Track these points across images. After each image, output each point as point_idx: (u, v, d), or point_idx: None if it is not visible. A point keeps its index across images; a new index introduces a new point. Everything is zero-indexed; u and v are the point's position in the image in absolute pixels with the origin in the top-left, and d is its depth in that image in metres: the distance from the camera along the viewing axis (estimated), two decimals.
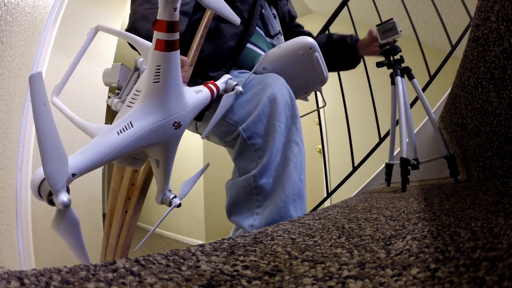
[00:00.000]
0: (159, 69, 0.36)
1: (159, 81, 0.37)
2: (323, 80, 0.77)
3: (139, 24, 0.61)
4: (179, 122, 0.40)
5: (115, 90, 0.50)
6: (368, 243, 0.29)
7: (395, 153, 1.16)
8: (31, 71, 1.36)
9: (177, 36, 0.35)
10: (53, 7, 1.51)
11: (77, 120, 0.43)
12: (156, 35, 0.34)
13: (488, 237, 0.24)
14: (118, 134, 0.34)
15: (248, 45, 0.78)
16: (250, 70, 0.78)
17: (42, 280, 0.18)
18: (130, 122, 0.36)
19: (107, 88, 1.83)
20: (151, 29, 0.57)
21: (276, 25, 0.88)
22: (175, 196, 0.48)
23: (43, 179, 0.28)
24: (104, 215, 1.71)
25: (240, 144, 0.67)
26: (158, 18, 0.33)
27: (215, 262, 0.25)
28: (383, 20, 1.02)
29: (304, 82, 0.76)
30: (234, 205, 0.69)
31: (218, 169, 3.07)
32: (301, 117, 0.88)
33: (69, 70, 0.48)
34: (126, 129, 0.35)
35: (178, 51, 0.37)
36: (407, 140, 0.95)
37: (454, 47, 1.26)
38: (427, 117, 1.32)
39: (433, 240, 0.26)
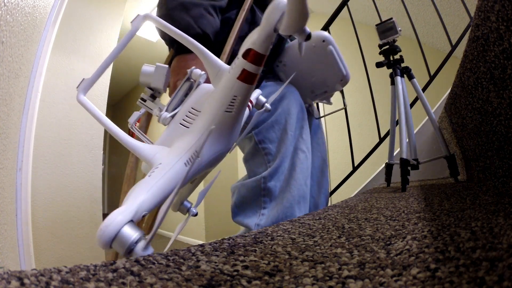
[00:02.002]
0: (235, 100, 0.34)
1: (231, 112, 0.35)
2: (343, 79, 0.73)
3: (177, 14, 0.55)
4: (232, 146, 0.40)
5: (145, 88, 0.44)
6: (368, 243, 0.29)
7: (395, 153, 1.16)
8: (31, 71, 1.36)
9: (261, 69, 0.33)
10: (53, 7, 1.50)
11: (121, 135, 0.37)
12: (244, 65, 0.32)
13: (488, 237, 0.24)
14: (186, 166, 0.33)
15: None
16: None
17: (42, 280, 0.18)
18: (196, 152, 0.34)
19: (107, 88, 1.83)
20: (191, 24, 0.52)
21: None
22: (191, 205, 0.47)
23: (118, 232, 0.26)
24: (104, 215, 1.71)
25: (252, 147, 0.70)
26: (252, 47, 0.31)
27: (215, 262, 0.25)
28: (383, 20, 1.02)
29: (322, 79, 0.73)
30: (241, 206, 0.71)
31: (218, 169, 3.07)
32: (322, 117, 0.87)
33: (106, 63, 0.41)
34: (193, 159, 0.33)
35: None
36: (407, 140, 0.95)
37: (454, 47, 1.26)
38: (427, 117, 1.32)
39: (433, 240, 0.26)
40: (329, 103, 0.83)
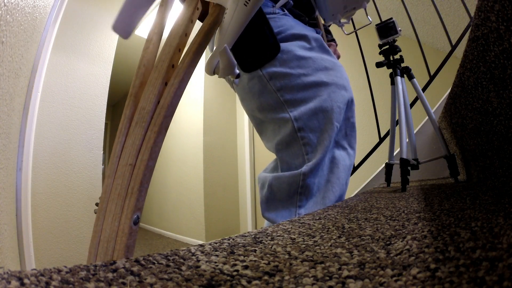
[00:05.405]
0: None
1: None
2: None
3: None
4: None
5: None
6: (368, 243, 0.29)
7: (395, 153, 1.16)
8: (31, 71, 1.36)
9: None
10: (53, 7, 1.50)
11: None
12: None
13: (488, 237, 0.24)
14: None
15: None
16: None
17: (42, 280, 0.18)
18: None
19: (107, 88, 1.83)
20: None
21: None
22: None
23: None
24: None
25: (288, 135, 0.61)
26: None
27: (215, 262, 0.25)
28: (383, 20, 1.02)
29: None
30: (273, 201, 0.64)
31: (218, 169, 3.07)
32: (350, 33, 0.88)
33: None
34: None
35: None
36: (407, 140, 0.95)
37: (454, 47, 1.26)
38: (427, 117, 1.32)
39: (433, 240, 0.26)
40: (348, 22, 0.88)
